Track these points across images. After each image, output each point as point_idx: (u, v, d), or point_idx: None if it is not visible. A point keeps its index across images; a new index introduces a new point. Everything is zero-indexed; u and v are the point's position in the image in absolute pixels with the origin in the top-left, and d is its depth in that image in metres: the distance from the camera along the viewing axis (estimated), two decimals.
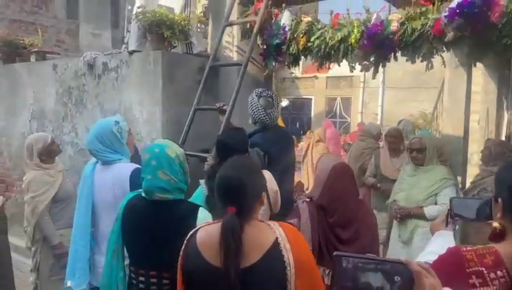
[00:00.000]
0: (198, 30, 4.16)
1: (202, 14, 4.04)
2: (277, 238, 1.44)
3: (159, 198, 1.88)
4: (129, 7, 9.35)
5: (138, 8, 3.73)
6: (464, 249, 1.16)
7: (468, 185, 3.82)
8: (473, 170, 6.25)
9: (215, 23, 4.13)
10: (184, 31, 3.78)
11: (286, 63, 3.79)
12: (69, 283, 2.28)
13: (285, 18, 3.58)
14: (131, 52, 3.92)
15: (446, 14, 2.48)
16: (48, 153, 3.20)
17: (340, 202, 1.96)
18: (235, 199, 1.44)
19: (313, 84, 12.26)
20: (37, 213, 3.02)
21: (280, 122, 8.17)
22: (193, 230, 1.61)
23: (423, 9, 2.83)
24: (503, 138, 4.79)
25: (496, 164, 3.29)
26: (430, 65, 3.04)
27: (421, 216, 3.11)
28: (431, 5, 2.80)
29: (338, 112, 12.40)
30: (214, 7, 4.13)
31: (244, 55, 4.00)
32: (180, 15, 3.76)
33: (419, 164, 3.24)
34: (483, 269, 1.10)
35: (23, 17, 7.47)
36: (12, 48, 5.12)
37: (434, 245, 1.46)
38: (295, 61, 3.73)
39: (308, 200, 2.02)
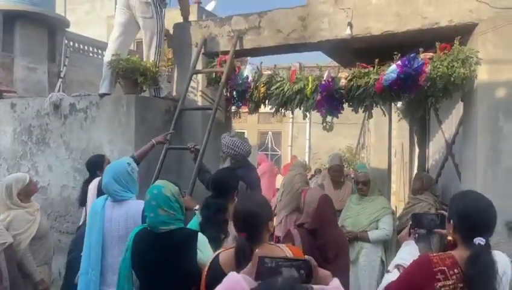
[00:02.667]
0: (164, 75, 4.53)
1: (170, 63, 4.41)
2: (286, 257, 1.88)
3: (163, 230, 2.24)
4: (66, 41, 9.36)
5: (113, 55, 4.01)
6: (431, 255, 1.73)
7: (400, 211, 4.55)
8: (393, 198, 7.23)
9: (180, 70, 4.54)
10: (154, 77, 4.13)
11: (248, 108, 4.30)
12: None
13: (248, 70, 4.12)
14: (102, 95, 4.15)
15: (387, 79, 3.20)
16: (26, 193, 3.31)
17: (329, 227, 2.45)
18: (245, 227, 1.86)
19: (245, 119, 12.94)
20: (20, 251, 3.08)
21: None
22: (215, 253, 2.00)
23: (366, 70, 3.55)
24: (425, 171, 5.73)
25: (424, 193, 4.09)
26: (370, 114, 3.76)
27: (366, 239, 3.71)
28: (372, 68, 3.53)
29: (270, 145, 13.18)
30: (179, 57, 4.54)
31: (207, 99, 4.47)
32: (151, 62, 4.11)
33: (364, 194, 3.89)
34: (445, 268, 1.67)
35: None
36: None
37: (404, 252, 2.01)
38: (256, 107, 4.26)
39: (297, 227, 2.50)
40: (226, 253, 1.96)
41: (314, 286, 1.40)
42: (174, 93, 4.54)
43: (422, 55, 3.28)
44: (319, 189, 3.16)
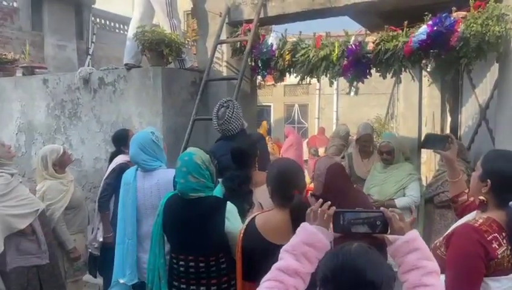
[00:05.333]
0: (188, 47, 4.53)
1: (195, 33, 4.41)
2: None
3: (193, 196, 2.29)
4: (92, 18, 9.47)
5: (138, 28, 4.03)
6: (476, 224, 1.61)
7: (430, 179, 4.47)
8: (423, 167, 7.09)
9: (204, 41, 4.53)
10: (179, 48, 4.15)
11: (273, 77, 4.27)
12: (121, 280, 2.57)
13: (272, 38, 4.07)
14: (129, 68, 4.20)
15: (417, 40, 3.08)
16: (61, 164, 3.41)
17: (341, 193, 2.43)
18: (297, 187, 1.89)
19: (271, 92, 12.87)
20: (54, 220, 3.21)
21: (263, 130, 8.53)
22: (250, 217, 2.03)
23: (394, 33, 3.44)
24: (457, 139, 5.58)
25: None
26: (399, 80, 3.65)
27: (393, 207, 3.68)
28: (401, 31, 3.41)
29: (296, 117, 13.10)
30: (202, 27, 4.52)
31: (232, 70, 4.46)
32: (176, 34, 4.12)
33: (389, 164, 3.83)
34: (496, 234, 1.57)
35: None
36: None
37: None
38: (281, 76, 4.22)
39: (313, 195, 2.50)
40: (263, 216, 1.99)
41: (389, 236, 1.40)
42: (196, 65, 4.56)
43: (454, 14, 3.14)
44: (329, 158, 3.10)
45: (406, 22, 3.40)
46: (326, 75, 3.94)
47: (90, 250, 3.36)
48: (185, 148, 3.92)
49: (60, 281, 2.99)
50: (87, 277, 3.98)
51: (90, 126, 4.50)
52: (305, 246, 1.42)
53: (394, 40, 3.40)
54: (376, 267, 1.12)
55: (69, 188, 3.41)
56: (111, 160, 3.49)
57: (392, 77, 3.72)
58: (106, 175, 3.45)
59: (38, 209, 2.85)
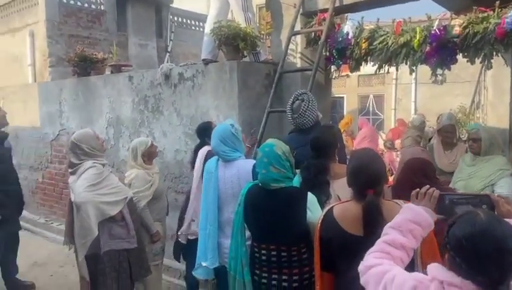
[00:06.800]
0: (262, 41, 4.57)
1: (269, 26, 4.43)
2: None
3: (274, 187, 2.30)
4: (170, 17, 9.92)
5: (214, 23, 4.15)
6: None
7: None
8: None
9: (278, 33, 4.54)
10: (254, 42, 4.20)
11: (348, 67, 4.16)
12: (204, 264, 2.70)
13: (348, 27, 3.96)
14: (206, 63, 4.34)
15: (511, 21, 2.81)
16: (149, 155, 3.64)
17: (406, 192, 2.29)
18: (373, 183, 1.84)
19: (344, 83, 12.55)
20: (139, 206, 3.41)
21: (344, 124, 8.40)
22: (328, 207, 2.02)
23: (484, 15, 3.17)
24: None
25: None
26: (489, 65, 3.37)
27: None
28: (492, 11, 3.13)
29: (371, 109, 12.66)
30: (276, 19, 4.53)
31: (306, 61, 4.42)
32: (251, 27, 4.17)
33: (475, 152, 3.53)
34: None
35: (79, 32, 8.03)
36: (87, 63, 5.65)
37: None
38: (357, 65, 4.10)
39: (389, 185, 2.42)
40: (341, 206, 1.98)
41: None
42: (270, 57, 4.58)
43: None
44: (415, 150, 2.93)
45: (497, 2, 3.12)
46: (406, 63, 3.76)
47: (180, 239, 3.54)
48: (260, 141, 3.98)
49: (146, 265, 3.20)
50: (171, 262, 4.23)
51: (171, 120, 4.74)
52: (412, 224, 1.51)
53: (484, 22, 3.14)
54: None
55: (155, 179, 3.63)
56: (196, 151, 3.60)
57: (481, 63, 3.44)
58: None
59: (126, 197, 3.06)
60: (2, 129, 4.48)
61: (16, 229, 4.25)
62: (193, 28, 10.62)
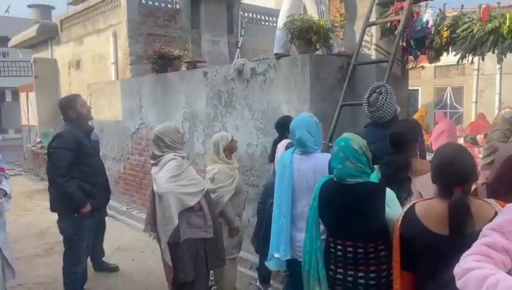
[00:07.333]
0: (335, 33, 4.49)
1: (342, 18, 4.35)
2: (496, 211, 1.71)
3: (350, 182, 2.26)
4: (241, 13, 10.09)
5: (287, 17, 4.15)
6: None
7: None
8: None
9: (351, 25, 4.43)
10: (327, 34, 4.14)
11: (427, 57, 3.95)
12: (276, 255, 2.75)
13: (428, 15, 3.76)
14: (278, 57, 4.37)
15: None
16: (229, 149, 3.73)
17: (507, 191, 2.12)
18: (461, 180, 1.74)
19: (419, 75, 11.90)
20: (223, 201, 3.52)
21: (418, 117, 8.07)
22: (409, 205, 1.95)
23: None
24: None
25: None
26: None
27: None
28: None
29: (449, 102, 11.91)
30: (350, 11, 4.43)
31: (382, 52, 4.27)
32: (324, 20, 4.12)
33: None
34: None
35: (157, 31, 8.46)
36: (164, 60, 5.94)
37: None
38: (437, 55, 3.88)
39: (484, 183, 2.24)
40: (423, 204, 1.90)
41: None
42: (343, 49, 4.48)
43: None
44: None
45: None
46: (493, 52, 3.49)
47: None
48: (332, 135, 3.93)
49: (221, 255, 3.31)
50: (242, 253, 4.34)
51: (243, 114, 4.84)
52: None
53: None
54: None
55: (236, 174, 3.72)
56: (275, 145, 3.63)
57: None
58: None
59: (204, 189, 3.19)
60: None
61: (103, 216, 4.62)
62: (263, 23, 10.71)
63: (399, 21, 3.83)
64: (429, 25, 3.72)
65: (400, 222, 1.92)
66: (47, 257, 5.24)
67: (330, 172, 2.49)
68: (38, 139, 11.64)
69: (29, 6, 23.89)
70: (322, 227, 2.42)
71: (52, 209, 3.77)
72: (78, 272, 3.82)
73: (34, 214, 7.24)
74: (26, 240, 5.82)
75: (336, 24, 4.43)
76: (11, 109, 18.13)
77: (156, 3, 8.50)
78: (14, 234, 5.49)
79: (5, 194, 3.08)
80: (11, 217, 3.40)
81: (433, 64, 6.13)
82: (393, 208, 2.12)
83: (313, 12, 4.28)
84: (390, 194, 2.22)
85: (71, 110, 3.72)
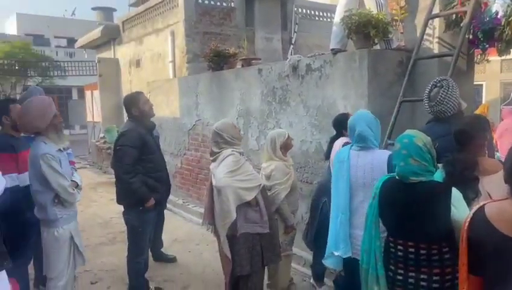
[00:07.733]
0: (394, 28, 4.35)
1: (403, 11, 4.20)
2: None
3: (413, 180, 2.18)
4: (295, 9, 10.04)
5: (345, 11, 4.08)
6: None
7: None
8: None
9: (412, 18, 4.27)
10: (386, 29, 4.02)
11: (497, 49, 3.72)
12: (336, 253, 2.73)
13: (497, 5, 3.53)
14: (335, 53, 4.30)
15: None
16: (285, 146, 3.75)
17: None
18: None
19: (483, 69, 11.22)
20: (279, 198, 3.55)
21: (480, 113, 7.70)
22: (478, 206, 1.85)
23: None
24: None
25: None
26: None
27: None
28: None
29: None
30: (411, 3, 4.26)
31: (445, 45, 4.08)
32: (383, 13, 4.00)
33: None
34: None
35: (212, 29, 8.64)
36: (220, 58, 6.06)
37: None
38: (508, 47, 3.65)
39: None
40: (495, 205, 1.80)
41: None
42: (403, 43, 4.33)
43: None
44: None
45: None
46: None
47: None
48: (391, 132, 3.82)
49: (276, 250, 3.34)
50: (295, 249, 4.35)
51: (297, 111, 4.83)
52: None
53: None
54: None
55: (291, 171, 3.74)
56: (332, 142, 3.61)
57: None
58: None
59: (260, 184, 3.23)
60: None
61: (163, 209, 4.81)
62: (317, 18, 10.59)
63: (465, 12, 3.64)
64: (499, 16, 3.50)
65: (467, 224, 1.83)
66: (110, 245, 5.56)
67: (390, 170, 2.43)
68: (101, 135, 12.34)
69: (93, 8, 25.33)
70: (381, 226, 2.37)
71: (118, 201, 3.98)
72: (140, 262, 4.01)
73: (98, 205, 7.70)
74: (91, 229, 6.21)
75: (396, 17, 4.29)
76: (77, 106, 19.36)
77: (212, 2, 8.68)
78: (81, 223, 5.81)
79: (77, 186, 3.29)
80: (79, 208, 3.63)
81: (500, 58, 5.74)
82: (460, 209, 2.03)
83: (371, 6, 4.17)
84: (456, 194, 2.12)
85: (134, 108, 3.89)
